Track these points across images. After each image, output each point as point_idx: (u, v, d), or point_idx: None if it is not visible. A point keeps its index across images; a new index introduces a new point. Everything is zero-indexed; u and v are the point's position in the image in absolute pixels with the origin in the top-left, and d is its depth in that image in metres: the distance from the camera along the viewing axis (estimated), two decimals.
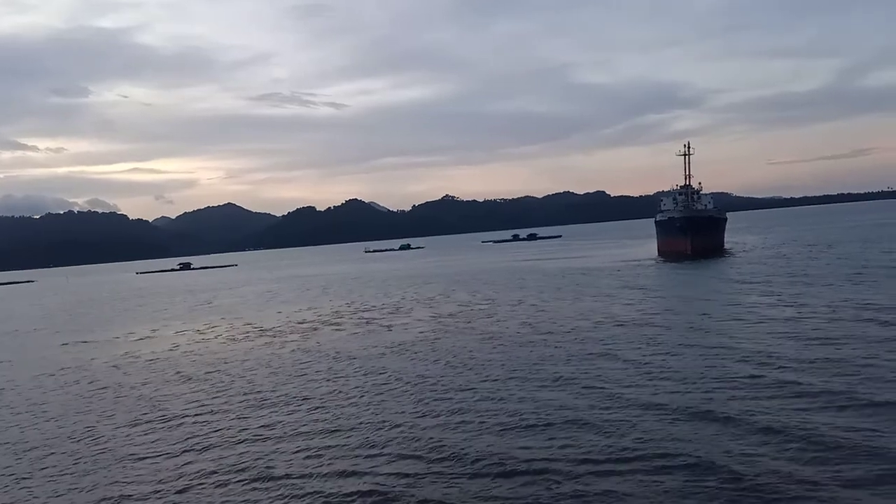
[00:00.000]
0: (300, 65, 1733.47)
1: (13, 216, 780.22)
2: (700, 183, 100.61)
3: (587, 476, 15.50)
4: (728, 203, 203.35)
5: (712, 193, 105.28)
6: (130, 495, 16.72)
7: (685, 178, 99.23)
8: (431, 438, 19.02)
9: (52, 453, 20.95)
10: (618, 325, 36.00)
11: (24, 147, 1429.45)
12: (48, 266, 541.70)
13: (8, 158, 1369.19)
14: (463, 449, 17.90)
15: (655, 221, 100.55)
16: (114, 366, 36.60)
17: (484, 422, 20.18)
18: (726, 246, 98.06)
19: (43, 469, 19.45)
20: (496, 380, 25.54)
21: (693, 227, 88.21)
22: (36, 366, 38.90)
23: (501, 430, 19.23)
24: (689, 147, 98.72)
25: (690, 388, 21.85)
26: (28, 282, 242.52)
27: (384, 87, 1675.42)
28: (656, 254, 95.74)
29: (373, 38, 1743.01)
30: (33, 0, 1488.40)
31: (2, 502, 17.23)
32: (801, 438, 16.61)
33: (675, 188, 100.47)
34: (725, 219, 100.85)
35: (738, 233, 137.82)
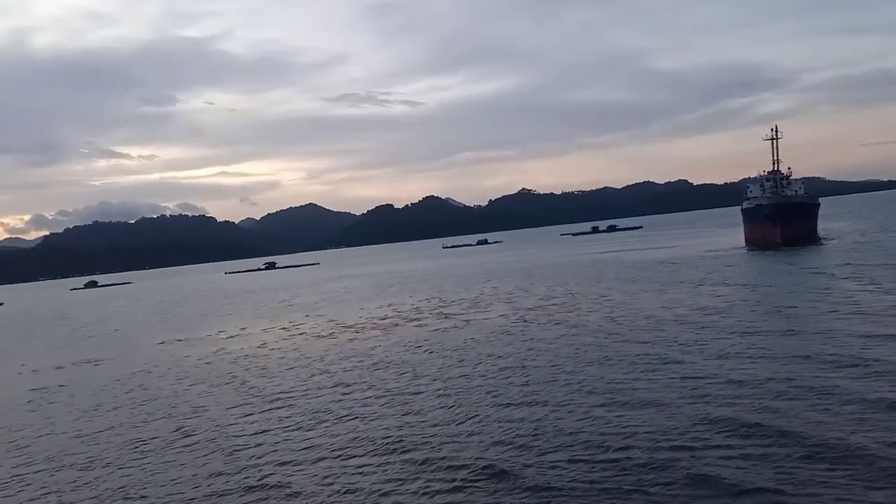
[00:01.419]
0: (375, 64, 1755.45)
1: (110, 221, 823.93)
2: (790, 168, 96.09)
3: (668, 468, 15.18)
4: (821, 188, 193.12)
5: (803, 178, 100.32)
6: (224, 475, 17.48)
7: (773, 163, 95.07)
8: (514, 426, 19.07)
9: (147, 442, 22.13)
10: (704, 318, 34.93)
11: (118, 155, 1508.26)
12: (144, 268, 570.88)
13: (104, 167, 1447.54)
14: (547, 443, 17.85)
15: (742, 209, 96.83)
16: (206, 363, 38.19)
17: (568, 408, 20.06)
18: (819, 233, 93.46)
19: (143, 459, 20.56)
20: (576, 373, 25.24)
21: (783, 214, 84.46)
22: (136, 363, 41.03)
23: (583, 420, 19.07)
24: (776, 130, 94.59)
25: (781, 399, 20.22)
26: (126, 283, 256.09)
27: (457, 82, 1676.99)
28: (743, 243, 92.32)
29: (444, 33, 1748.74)
30: (120, 13, 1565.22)
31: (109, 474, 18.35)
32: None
33: (762, 174, 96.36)
34: (818, 204, 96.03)
35: (832, 219, 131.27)
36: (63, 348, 55.39)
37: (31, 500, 18.40)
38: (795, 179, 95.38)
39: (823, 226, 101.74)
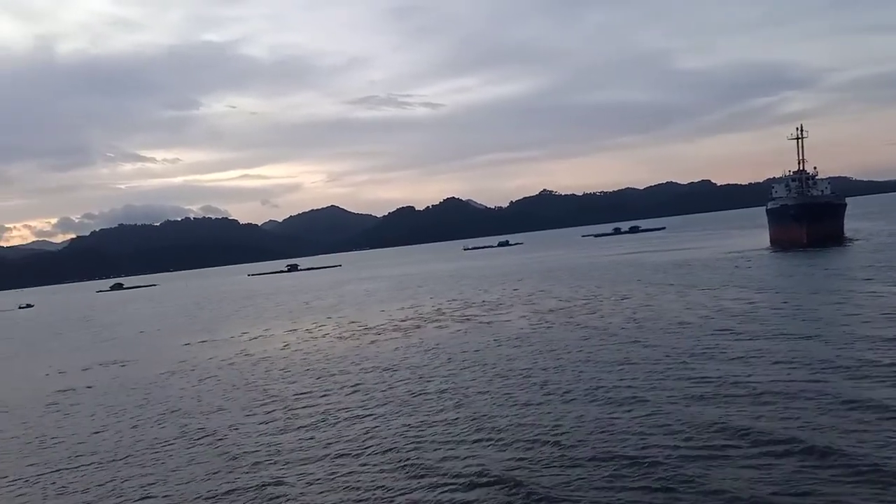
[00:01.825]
0: (395, 67, 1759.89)
1: (135, 224, 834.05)
2: (815, 167, 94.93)
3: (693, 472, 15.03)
4: (847, 188, 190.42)
5: (829, 178, 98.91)
6: (242, 477, 17.64)
7: (798, 163, 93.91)
8: (534, 430, 19.02)
9: (172, 442, 22.40)
10: (727, 321, 34.59)
11: (143, 159, 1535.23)
12: (168, 270, 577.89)
13: (130, 170, 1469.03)
14: (567, 443, 17.79)
15: (767, 210, 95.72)
16: (230, 363, 38.54)
17: (587, 412, 19.97)
18: (846, 233, 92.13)
19: (167, 458, 20.80)
20: (595, 378, 25.12)
21: (808, 214, 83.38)
22: (161, 364, 41.51)
23: (605, 422, 18.98)
24: (801, 130, 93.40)
25: (802, 406, 19.66)
26: (151, 286, 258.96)
27: (478, 84, 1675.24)
28: (768, 244, 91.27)
29: (465, 35, 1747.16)
30: (144, 19, 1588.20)
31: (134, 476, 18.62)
32: None
33: (787, 174, 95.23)
34: (844, 204, 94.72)
35: (859, 219, 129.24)
36: (89, 350, 56.22)
37: (57, 496, 18.70)
38: (821, 179, 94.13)
39: (850, 226, 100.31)
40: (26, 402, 33.68)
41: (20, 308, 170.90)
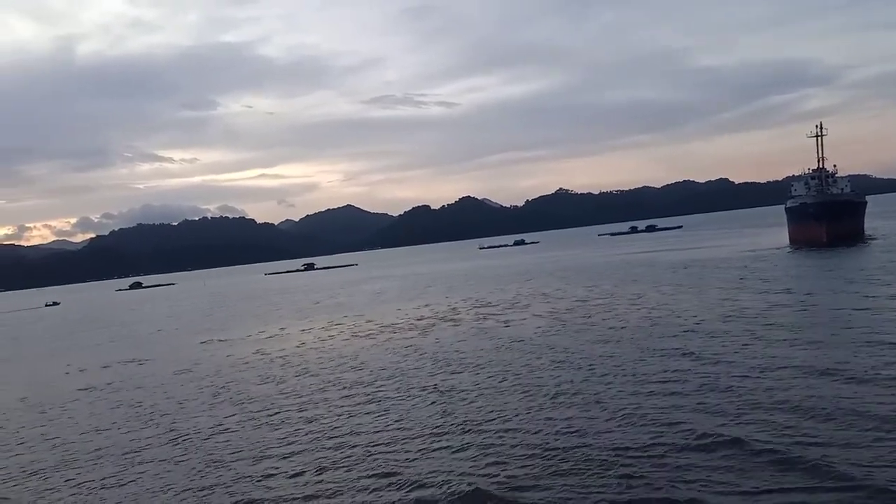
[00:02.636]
0: (410, 66, 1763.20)
1: (153, 224, 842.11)
2: (835, 165, 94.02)
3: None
4: (867, 186, 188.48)
5: (849, 176, 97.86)
6: (253, 483, 17.76)
7: (818, 161, 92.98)
8: (550, 436, 18.96)
9: (189, 437, 22.58)
10: (740, 322, 34.20)
11: (161, 159, 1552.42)
12: (186, 269, 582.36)
13: (147, 170, 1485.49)
14: (579, 450, 17.73)
15: (786, 208, 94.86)
16: (246, 363, 38.77)
17: (603, 418, 19.90)
18: (866, 232, 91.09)
19: (184, 455, 20.97)
20: (613, 377, 25.02)
21: (828, 212, 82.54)
22: (177, 363, 41.86)
23: (620, 427, 18.92)
24: (821, 128, 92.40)
25: (816, 420, 19.29)
26: (169, 284, 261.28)
27: (493, 83, 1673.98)
28: (787, 242, 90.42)
29: (480, 36, 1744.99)
30: (162, 20, 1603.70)
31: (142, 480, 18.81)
32: None
33: (807, 172, 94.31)
34: (864, 202, 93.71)
35: (879, 217, 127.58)
36: (109, 347, 56.81)
37: (73, 494, 18.91)
38: (841, 177, 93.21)
39: (870, 224, 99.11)
40: (47, 399, 34.01)
41: (47, 305, 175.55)
